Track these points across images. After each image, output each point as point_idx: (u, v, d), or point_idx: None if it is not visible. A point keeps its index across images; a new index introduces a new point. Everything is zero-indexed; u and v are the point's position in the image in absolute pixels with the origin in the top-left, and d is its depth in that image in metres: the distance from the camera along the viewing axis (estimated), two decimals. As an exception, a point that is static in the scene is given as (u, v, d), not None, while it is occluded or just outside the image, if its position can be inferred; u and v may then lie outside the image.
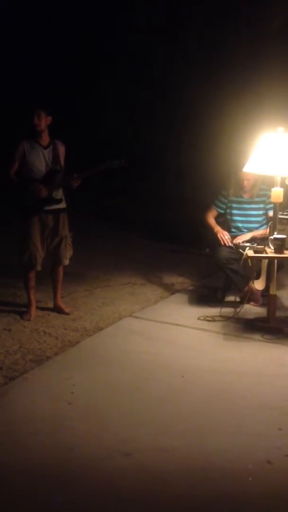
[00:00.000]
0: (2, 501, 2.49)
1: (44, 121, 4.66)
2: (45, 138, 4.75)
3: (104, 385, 3.57)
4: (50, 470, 2.71)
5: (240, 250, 4.89)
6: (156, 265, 6.68)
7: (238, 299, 5.12)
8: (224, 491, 2.59)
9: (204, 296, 5.52)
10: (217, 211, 5.31)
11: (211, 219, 5.27)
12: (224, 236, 5.13)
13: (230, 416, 3.22)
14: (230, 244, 5.09)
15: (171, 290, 5.81)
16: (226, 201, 5.26)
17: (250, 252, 4.63)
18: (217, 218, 5.31)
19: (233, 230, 5.26)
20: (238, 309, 4.82)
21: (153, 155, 8.78)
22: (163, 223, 8.22)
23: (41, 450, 2.86)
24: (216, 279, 5.99)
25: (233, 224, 5.27)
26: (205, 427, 3.10)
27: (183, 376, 3.71)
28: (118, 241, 7.82)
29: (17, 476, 2.65)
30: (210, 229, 5.26)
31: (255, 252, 4.66)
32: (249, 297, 5.02)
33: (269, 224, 4.73)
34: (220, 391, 3.52)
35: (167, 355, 4.07)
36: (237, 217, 5.25)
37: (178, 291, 5.78)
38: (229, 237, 5.14)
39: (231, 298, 5.28)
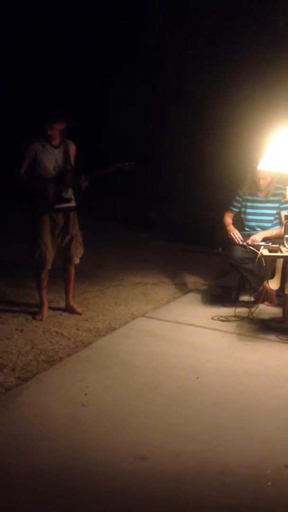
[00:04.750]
0: (14, 507, 2.44)
1: (58, 131, 4.66)
2: (57, 138, 4.72)
3: (118, 386, 3.52)
4: (64, 475, 2.66)
5: (254, 249, 4.82)
6: (168, 265, 6.63)
7: (252, 299, 5.05)
8: (242, 498, 2.52)
9: (218, 295, 5.45)
10: (233, 210, 5.24)
11: (227, 219, 5.21)
12: (234, 234, 5.06)
13: (246, 420, 3.15)
14: (241, 242, 5.01)
15: (184, 289, 5.75)
16: (241, 199, 5.19)
17: (265, 252, 4.56)
18: (233, 218, 5.24)
19: (246, 229, 5.19)
20: (252, 309, 4.74)
21: (165, 156, 8.72)
22: (175, 223, 8.17)
23: (54, 454, 2.81)
24: (229, 278, 5.93)
25: (247, 223, 5.19)
26: (220, 431, 3.04)
27: (197, 378, 3.65)
28: (129, 241, 7.78)
29: (29, 481, 2.60)
30: (225, 229, 5.19)
31: (270, 251, 4.58)
32: (263, 297, 4.95)
33: (285, 223, 4.65)
34: (236, 393, 3.46)
35: (181, 356, 4.00)
36: (251, 216, 5.18)
37: (191, 290, 5.71)
38: (240, 235, 5.07)
39: (245, 298, 5.22)
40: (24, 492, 2.53)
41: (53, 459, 2.77)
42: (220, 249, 7.21)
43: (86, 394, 3.38)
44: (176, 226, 8.00)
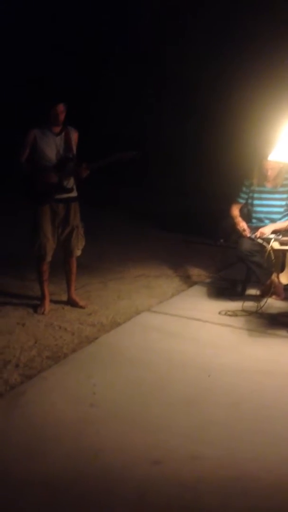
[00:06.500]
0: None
1: (60, 114, 4.46)
2: (58, 124, 4.52)
3: (127, 385, 3.37)
4: (75, 480, 2.51)
5: (263, 242, 4.68)
6: (169, 257, 6.49)
7: (259, 293, 4.92)
8: (264, 505, 2.40)
9: (223, 289, 5.32)
10: (240, 202, 5.09)
11: (234, 211, 5.06)
12: (241, 226, 4.92)
13: (262, 420, 3.02)
14: (249, 235, 4.88)
15: (188, 282, 5.61)
16: (248, 190, 5.04)
17: (275, 245, 4.42)
18: (241, 209, 5.09)
19: (253, 220, 5.05)
20: (261, 304, 4.61)
21: (166, 146, 8.53)
22: (176, 214, 8.01)
23: (64, 457, 2.66)
24: (234, 271, 5.81)
25: (254, 215, 5.05)
26: (236, 433, 2.91)
27: (209, 376, 3.51)
28: (129, 232, 7.63)
29: (37, 487, 2.46)
30: (232, 221, 5.04)
31: (281, 244, 4.45)
32: (272, 290, 4.82)
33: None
34: (250, 392, 3.33)
35: (190, 353, 3.87)
36: (259, 207, 5.03)
37: (195, 283, 5.58)
38: (247, 227, 4.93)
39: (251, 291, 5.09)
40: (32, 500, 2.38)
41: (63, 463, 2.62)
42: (222, 240, 7.08)
43: (94, 393, 3.24)
44: (177, 217, 7.83)
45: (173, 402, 3.18)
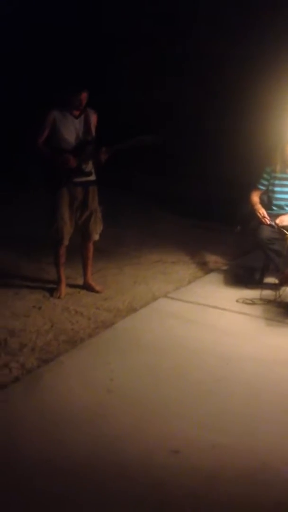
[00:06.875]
0: (38, 503, 2.29)
1: (83, 100, 4.39)
2: (79, 108, 4.44)
3: (144, 372, 3.34)
4: (93, 467, 2.50)
5: (283, 229, 4.60)
6: (185, 243, 6.41)
7: (277, 282, 4.85)
8: (285, 499, 2.36)
9: (240, 276, 5.25)
10: (260, 188, 5.00)
11: (254, 197, 4.97)
12: (261, 213, 4.84)
13: (282, 411, 2.98)
14: (269, 222, 4.80)
15: (204, 269, 5.55)
16: (269, 177, 4.95)
17: (296, 233, 4.35)
18: (260, 197, 5.00)
19: (274, 208, 4.96)
20: (279, 292, 4.55)
21: (188, 132, 8.38)
22: (191, 199, 7.90)
23: (82, 443, 2.65)
24: (250, 258, 5.73)
25: (275, 202, 4.96)
26: (255, 423, 2.87)
27: (227, 364, 3.47)
28: (146, 217, 7.56)
29: (55, 473, 2.44)
30: (252, 208, 4.96)
31: (302, 232, 4.37)
32: (289, 279, 4.75)
33: None
34: (268, 382, 3.28)
35: (207, 340, 3.83)
36: (279, 194, 4.94)
37: (212, 270, 5.51)
38: (267, 215, 4.85)
39: (269, 279, 5.02)
40: (51, 486, 2.37)
41: (81, 449, 2.61)
42: (239, 227, 6.99)
43: (111, 379, 3.22)
44: (195, 202, 7.73)
45: (191, 390, 3.15)
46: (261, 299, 4.57)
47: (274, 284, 4.83)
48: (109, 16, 8.99)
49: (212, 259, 5.87)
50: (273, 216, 4.85)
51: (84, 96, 4.36)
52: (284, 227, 4.61)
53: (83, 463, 2.52)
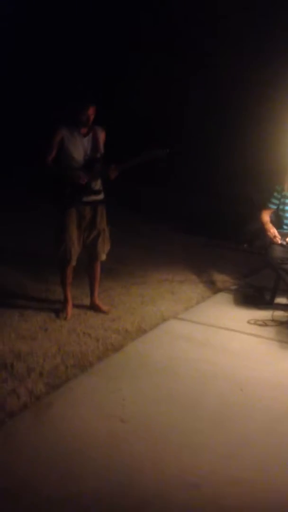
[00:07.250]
0: None
1: (91, 117, 4.30)
2: (86, 125, 4.35)
3: (157, 398, 3.22)
4: (109, 503, 2.37)
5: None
6: (193, 261, 6.33)
7: (288, 302, 4.75)
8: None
9: (250, 296, 5.15)
10: (271, 207, 4.92)
11: (265, 217, 4.89)
12: (272, 233, 4.76)
13: (303, 441, 2.86)
14: (280, 241, 4.71)
15: (212, 289, 5.45)
16: (279, 196, 4.87)
17: (309, 253, 4.25)
18: (271, 215, 4.92)
19: (285, 227, 4.88)
20: (292, 314, 4.44)
21: (190, 146, 8.34)
22: (198, 216, 7.84)
23: (96, 476, 2.51)
24: (259, 277, 5.64)
25: (286, 221, 4.88)
26: (277, 456, 2.74)
27: (241, 390, 3.35)
28: (152, 234, 7.47)
29: (68, 506, 2.31)
30: (262, 227, 4.87)
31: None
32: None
33: None
34: (286, 410, 3.16)
35: (220, 364, 3.71)
36: (290, 213, 4.86)
37: (221, 290, 5.41)
38: (278, 234, 4.76)
39: (281, 300, 4.91)
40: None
41: (95, 482, 2.47)
42: (246, 245, 6.91)
43: (123, 406, 3.09)
44: (201, 219, 7.66)
45: (207, 417, 3.03)
46: (273, 320, 4.47)
47: (286, 305, 4.73)
48: (115, 31, 8.99)
49: (220, 278, 5.77)
50: (284, 235, 4.76)
51: (92, 111, 4.28)
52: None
53: (97, 498, 2.39)
